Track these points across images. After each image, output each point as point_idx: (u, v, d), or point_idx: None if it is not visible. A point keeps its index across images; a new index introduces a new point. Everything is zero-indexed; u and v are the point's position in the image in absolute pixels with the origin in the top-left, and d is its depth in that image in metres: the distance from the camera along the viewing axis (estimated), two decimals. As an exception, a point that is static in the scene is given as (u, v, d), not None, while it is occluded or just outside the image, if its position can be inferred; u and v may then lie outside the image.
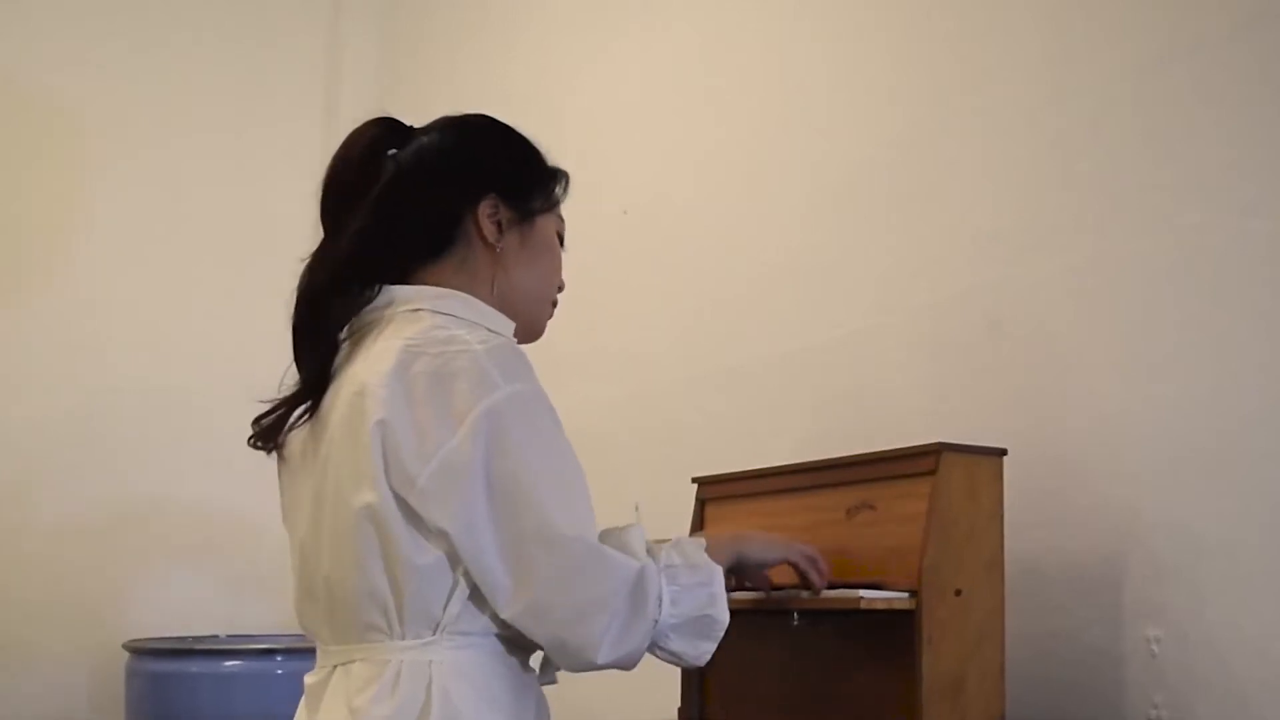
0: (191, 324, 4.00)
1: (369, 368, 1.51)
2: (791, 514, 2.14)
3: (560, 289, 1.75)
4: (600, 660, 1.50)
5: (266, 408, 1.62)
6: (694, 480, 2.36)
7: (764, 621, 2.04)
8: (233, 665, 3.40)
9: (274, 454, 1.65)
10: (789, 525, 2.12)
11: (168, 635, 3.64)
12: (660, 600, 1.53)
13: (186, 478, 3.92)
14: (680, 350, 3.07)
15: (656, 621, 1.53)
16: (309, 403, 1.58)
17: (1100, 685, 2.05)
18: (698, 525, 2.32)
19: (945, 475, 1.89)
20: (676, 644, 1.57)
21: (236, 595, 3.88)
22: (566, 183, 1.74)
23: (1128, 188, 2.12)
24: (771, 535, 1.86)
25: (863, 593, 1.84)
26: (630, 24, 3.36)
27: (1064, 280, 2.20)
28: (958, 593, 1.87)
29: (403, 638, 1.50)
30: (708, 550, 1.63)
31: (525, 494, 1.46)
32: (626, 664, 1.54)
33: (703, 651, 1.59)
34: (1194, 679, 1.95)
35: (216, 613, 3.83)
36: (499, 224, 1.64)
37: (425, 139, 1.66)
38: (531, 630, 1.50)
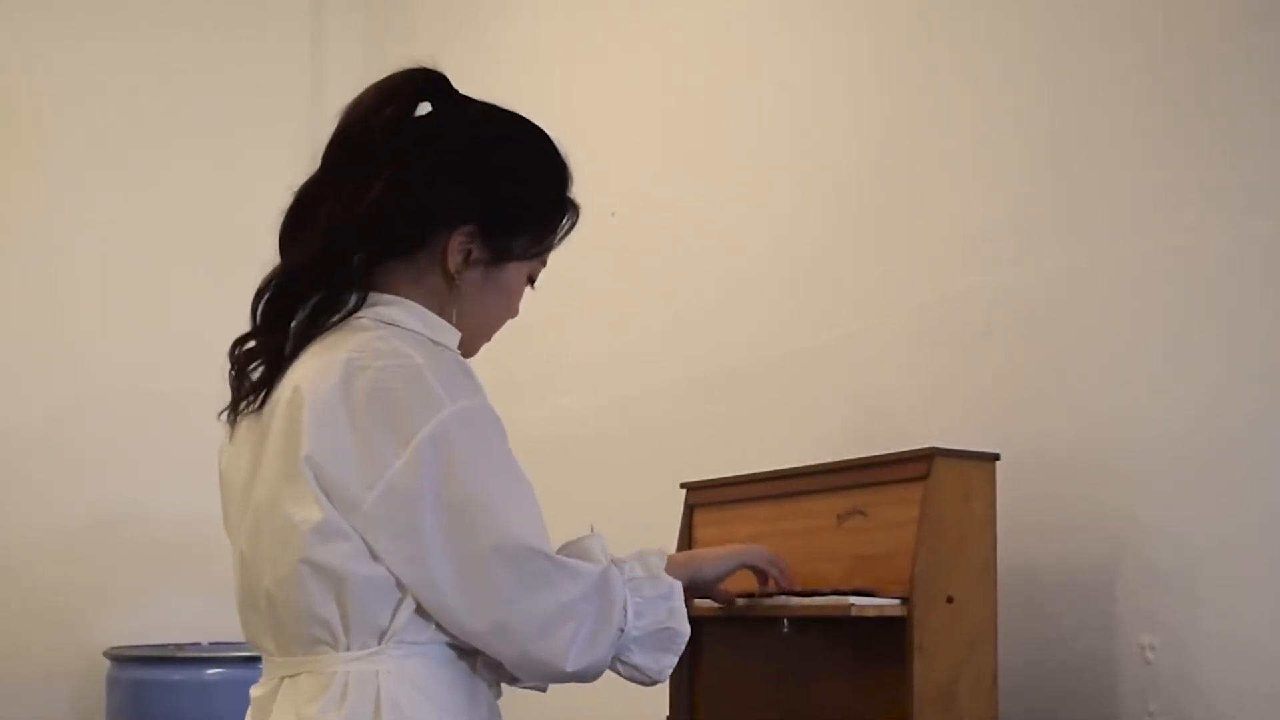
0: (170, 329, 3.96)
1: (309, 380, 1.47)
2: (782, 520, 2.12)
3: (513, 315, 1.67)
4: (569, 668, 1.49)
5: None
6: (683, 486, 2.34)
7: (753, 628, 2.03)
8: (214, 673, 3.39)
9: (229, 422, 1.58)
10: (779, 531, 2.11)
11: (149, 643, 3.62)
12: (626, 608, 1.54)
13: (167, 484, 3.89)
14: (669, 354, 3.05)
15: (623, 630, 1.53)
16: (261, 385, 1.53)
17: (1094, 692, 2.04)
18: (686, 531, 2.30)
19: (937, 480, 1.87)
20: (639, 657, 1.56)
21: (218, 603, 3.81)
22: (572, 226, 1.66)
23: (1123, 189, 2.11)
24: (721, 549, 1.86)
25: (853, 599, 1.83)
26: (618, 23, 3.35)
27: (1059, 282, 2.18)
28: (950, 599, 1.86)
29: (348, 648, 1.47)
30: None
31: (481, 511, 1.44)
32: (591, 673, 1.53)
33: (664, 666, 1.59)
34: (1189, 686, 1.93)
35: (198, 620, 3.79)
36: (468, 254, 1.56)
37: (447, 130, 1.58)
38: (497, 650, 1.49)
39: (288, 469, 1.46)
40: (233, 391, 1.58)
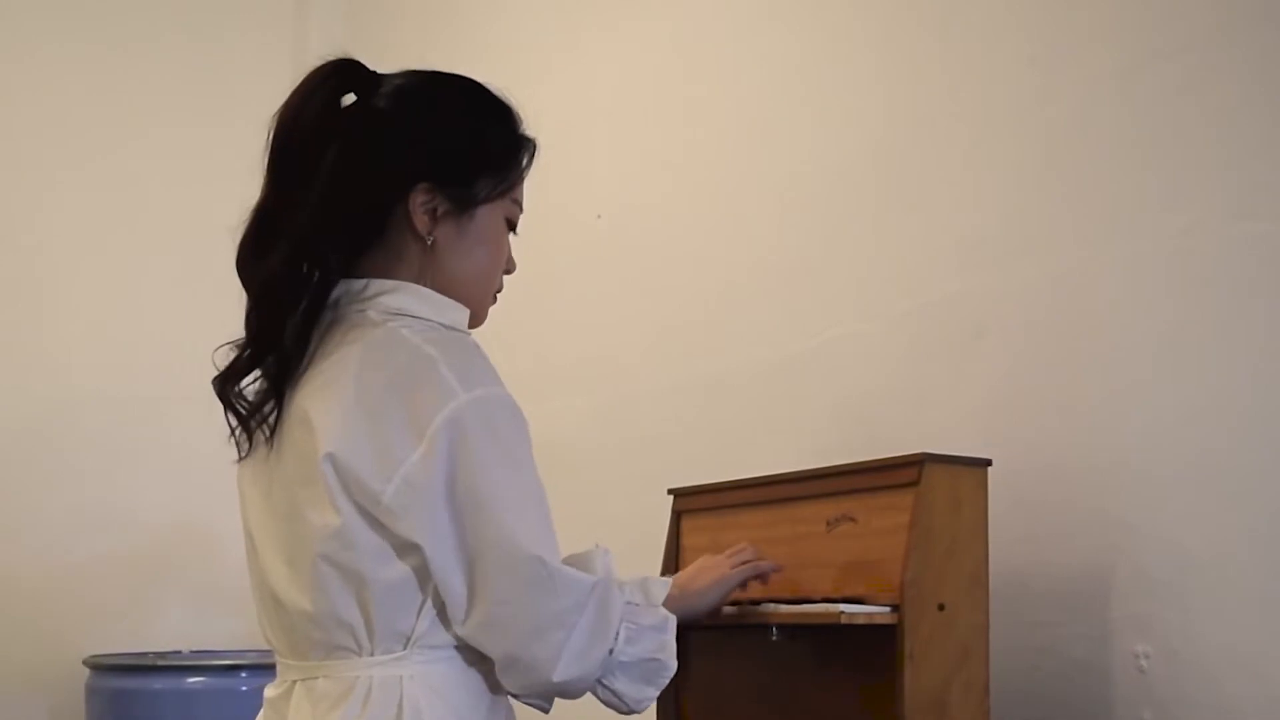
0: (151, 333, 3.93)
1: (320, 381, 1.47)
2: (770, 526, 2.11)
3: (510, 270, 1.66)
4: (556, 677, 1.48)
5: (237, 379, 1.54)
6: (670, 492, 2.32)
7: (742, 637, 2.02)
8: (196, 682, 3.36)
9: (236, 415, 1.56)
10: (768, 538, 2.09)
11: (129, 651, 3.59)
12: (619, 629, 1.52)
13: (148, 490, 3.86)
14: (657, 359, 3.03)
15: (612, 651, 1.52)
16: (268, 397, 1.52)
17: (1087, 702, 2.03)
18: (674, 538, 2.29)
19: (928, 486, 1.86)
20: (621, 683, 1.55)
21: (199, 610, 3.82)
22: (530, 158, 1.64)
23: (1114, 191, 2.10)
24: (705, 575, 1.80)
25: (843, 607, 1.81)
26: (603, 24, 3.33)
27: (1050, 286, 2.17)
28: (941, 607, 1.84)
29: (372, 654, 1.47)
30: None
31: (484, 508, 1.44)
32: (577, 687, 1.52)
33: (645, 697, 1.58)
34: (1183, 696, 1.92)
35: (179, 628, 3.78)
36: (433, 213, 1.54)
37: (374, 104, 1.56)
38: (485, 646, 1.48)
39: (305, 474, 1.46)
40: (240, 425, 1.55)
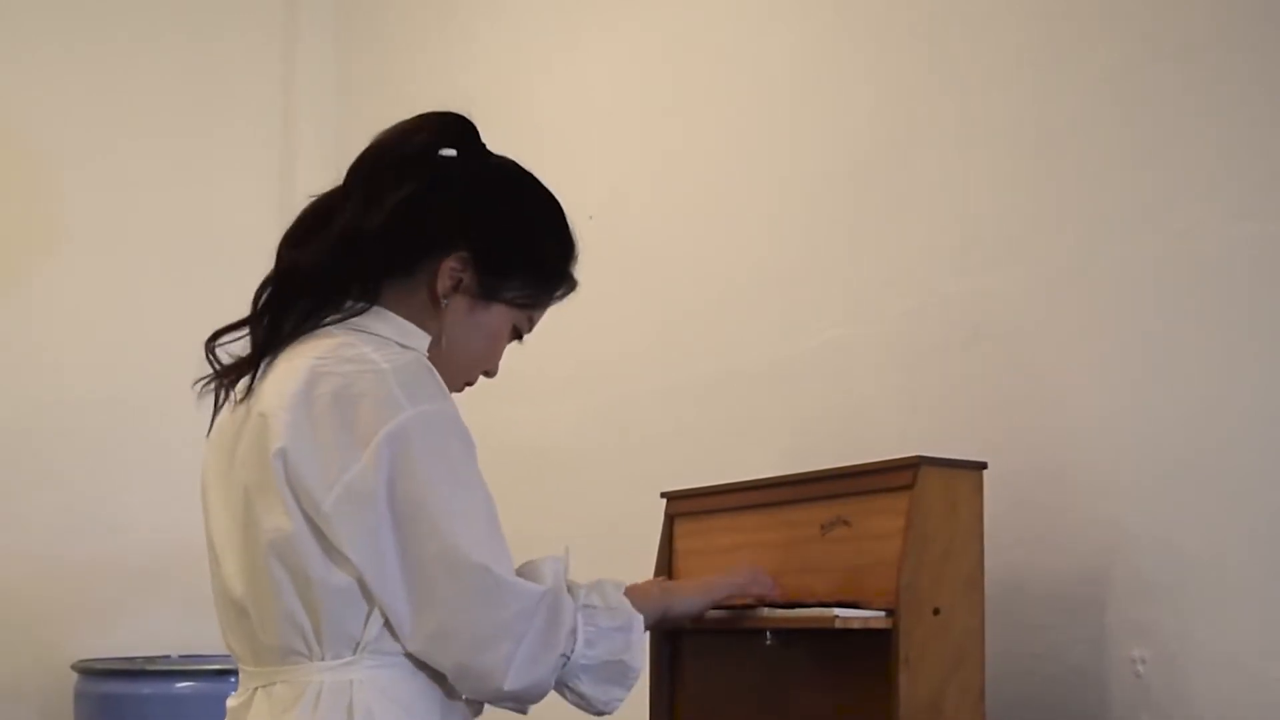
0: (143, 337, 3.90)
1: (276, 388, 1.50)
2: (764, 530, 2.10)
3: (489, 375, 1.70)
4: (507, 687, 1.49)
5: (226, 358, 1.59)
6: (663, 495, 2.31)
7: (736, 641, 2.02)
8: (184, 686, 3.35)
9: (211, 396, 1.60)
10: (761, 542, 2.09)
11: (118, 656, 3.57)
12: (574, 634, 1.53)
13: (137, 494, 3.84)
14: (650, 361, 3.03)
15: (567, 657, 1.53)
16: (249, 375, 1.55)
17: (1084, 707, 2.02)
18: (667, 541, 2.28)
19: (923, 489, 1.85)
20: (586, 686, 1.56)
21: (188, 615, 3.78)
22: (565, 294, 1.70)
23: (1110, 193, 2.10)
24: (700, 583, 1.84)
25: (838, 611, 1.81)
26: (596, 27, 3.32)
27: (1045, 288, 2.17)
28: (936, 611, 1.84)
29: (323, 659, 1.49)
30: (633, 598, 1.63)
31: (428, 518, 1.45)
32: (532, 694, 1.53)
33: (612, 698, 1.59)
34: (1181, 700, 1.92)
35: (168, 633, 3.75)
36: (458, 281, 1.59)
37: (468, 164, 1.61)
38: (436, 659, 1.50)
39: (259, 478, 1.49)
40: (215, 385, 1.59)
